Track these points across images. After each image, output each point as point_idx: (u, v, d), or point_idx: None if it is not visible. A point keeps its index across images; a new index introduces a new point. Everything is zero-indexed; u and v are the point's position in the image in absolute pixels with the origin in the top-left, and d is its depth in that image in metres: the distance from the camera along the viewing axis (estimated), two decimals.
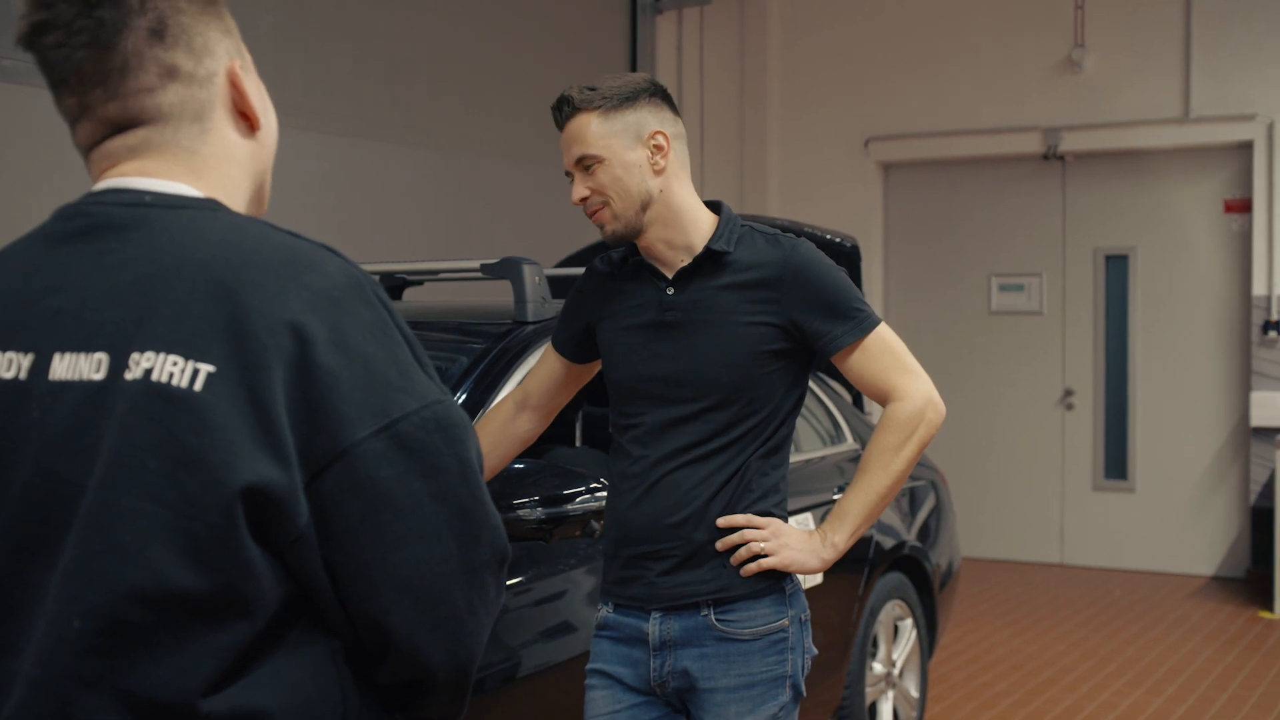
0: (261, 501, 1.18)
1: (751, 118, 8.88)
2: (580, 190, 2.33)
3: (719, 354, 2.32)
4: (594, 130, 2.29)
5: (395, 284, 4.24)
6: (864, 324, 2.33)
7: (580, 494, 2.82)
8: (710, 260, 2.35)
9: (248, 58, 1.39)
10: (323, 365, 1.20)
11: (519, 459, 2.76)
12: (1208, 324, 7.97)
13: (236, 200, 1.35)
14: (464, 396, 3.03)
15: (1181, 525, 8.03)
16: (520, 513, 2.74)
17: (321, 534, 1.22)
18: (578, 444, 4.13)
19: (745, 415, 2.33)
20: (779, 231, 2.39)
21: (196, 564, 1.17)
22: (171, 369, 1.18)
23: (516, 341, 3.21)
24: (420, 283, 4.30)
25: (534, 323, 3.28)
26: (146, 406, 1.18)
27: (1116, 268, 8.21)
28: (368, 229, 6.33)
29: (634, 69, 8.50)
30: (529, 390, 2.63)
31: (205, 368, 1.18)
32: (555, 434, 4.09)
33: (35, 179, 4.78)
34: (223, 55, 1.34)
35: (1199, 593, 7.52)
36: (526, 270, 3.33)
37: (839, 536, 2.36)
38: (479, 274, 3.44)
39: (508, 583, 2.87)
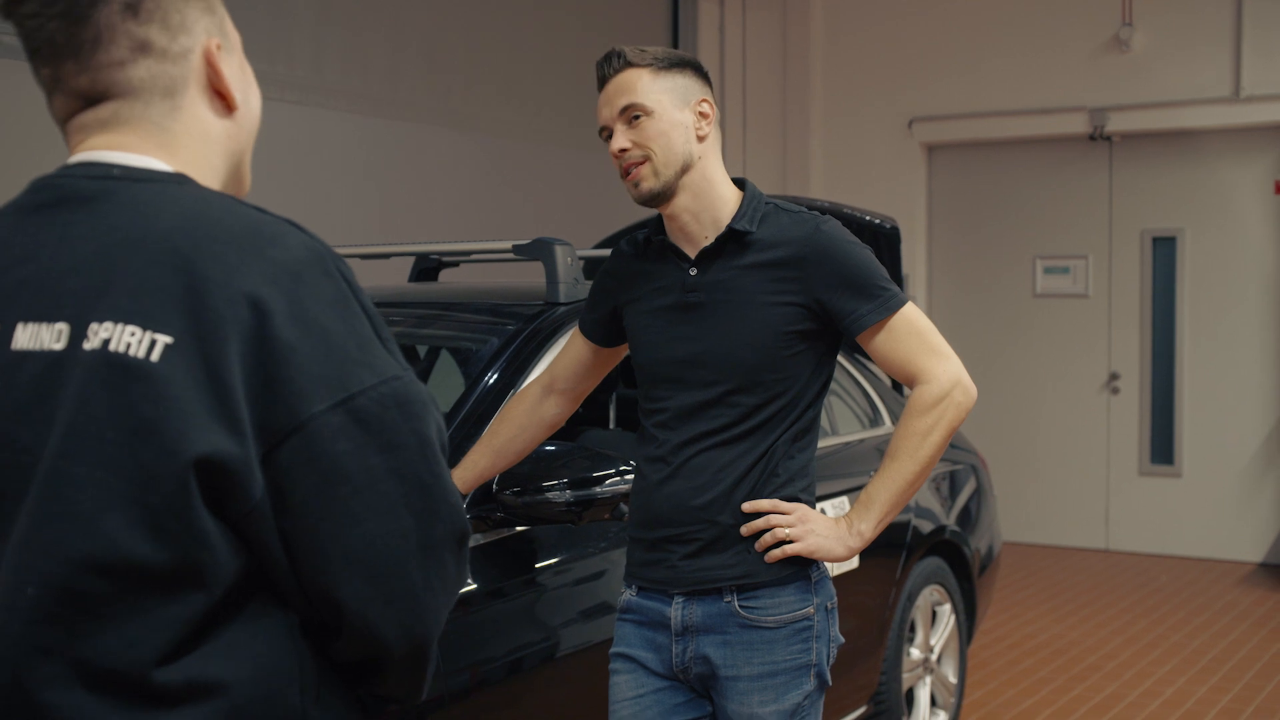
0: (215, 472, 1.18)
1: (794, 98, 8.81)
2: (622, 141, 2.27)
3: (743, 335, 2.27)
4: (645, 84, 2.26)
5: (431, 265, 4.23)
6: (889, 303, 2.27)
7: (610, 476, 2.79)
8: (733, 240, 2.30)
9: (233, 37, 1.38)
10: (280, 338, 1.20)
11: (549, 441, 2.74)
12: (1257, 307, 7.84)
13: (210, 179, 1.34)
14: (495, 377, 3.02)
15: (1229, 511, 7.91)
16: (549, 495, 2.72)
17: (277, 507, 1.22)
18: (611, 425, 4.11)
19: (771, 398, 2.29)
20: (804, 209, 2.34)
21: (151, 533, 1.17)
22: (129, 339, 1.18)
23: (548, 323, 3.18)
24: (456, 264, 4.29)
25: (566, 304, 3.25)
26: (104, 376, 1.18)
27: (1164, 250, 8.09)
28: (403, 210, 6.34)
29: None
30: (556, 374, 2.60)
31: (163, 338, 1.18)
32: (589, 416, 4.07)
33: (38, 151, 4.77)
34: (200, 33, 1.33)
35: (1247, 579, 7.42)
36: (559, 251, 3.31)
37: (865, 525, 2.30)
38: (511, 255, 3.43)
39: (537, 565, 2.86)
